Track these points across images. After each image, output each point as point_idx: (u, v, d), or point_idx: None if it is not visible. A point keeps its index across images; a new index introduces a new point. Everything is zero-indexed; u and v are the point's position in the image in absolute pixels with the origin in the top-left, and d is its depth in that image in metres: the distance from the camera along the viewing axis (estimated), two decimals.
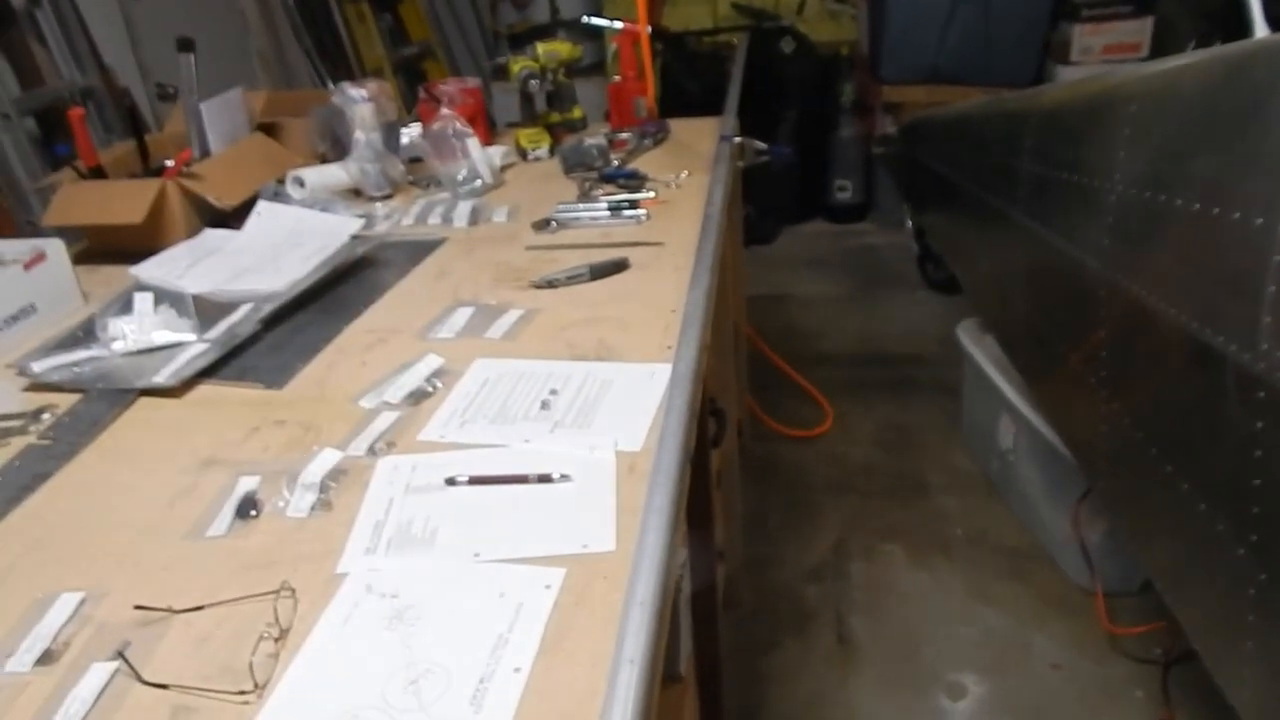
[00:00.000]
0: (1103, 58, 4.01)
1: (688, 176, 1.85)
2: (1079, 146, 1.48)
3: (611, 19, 2.64)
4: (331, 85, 1.92)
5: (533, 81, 2.03)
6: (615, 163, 1.93)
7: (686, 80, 4.51)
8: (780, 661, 1.96)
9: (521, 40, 4.49)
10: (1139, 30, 4.00)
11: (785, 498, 2.51)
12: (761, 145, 2.09)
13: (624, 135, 2.07)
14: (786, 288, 3.97)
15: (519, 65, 2.04)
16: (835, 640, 2.01)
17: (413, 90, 3.11)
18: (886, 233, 4.43)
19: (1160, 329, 1.16)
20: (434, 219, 1.69)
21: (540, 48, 2.13)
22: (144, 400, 1.13)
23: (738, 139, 2.02)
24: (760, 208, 4.60)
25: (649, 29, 4.47)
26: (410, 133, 2.09)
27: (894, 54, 4.29)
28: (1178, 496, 1.15)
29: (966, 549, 2.28)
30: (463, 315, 1.27)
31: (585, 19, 2.73)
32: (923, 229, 3.58)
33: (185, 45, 1.82)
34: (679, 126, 2.30)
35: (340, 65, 4.07)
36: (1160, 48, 3.98)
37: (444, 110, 1.86)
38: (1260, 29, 1.68)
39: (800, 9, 4.87)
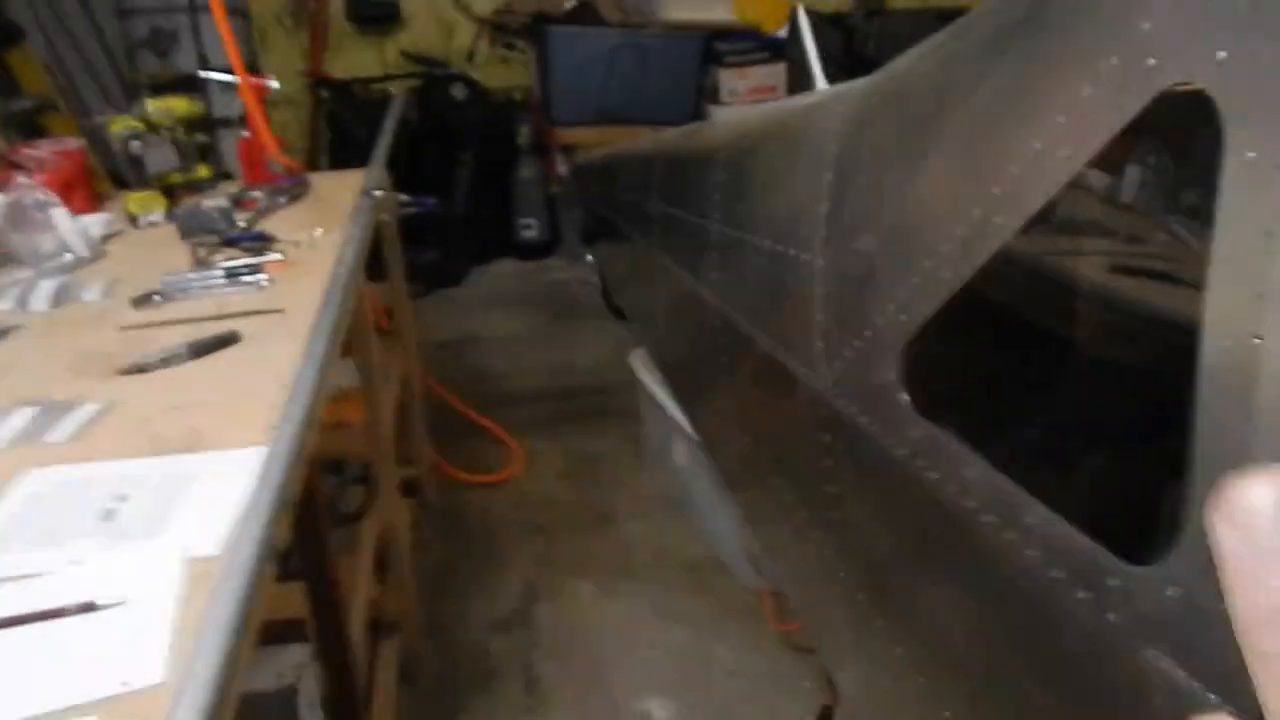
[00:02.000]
0: (748, 98, 4.40)
1: (322, 235, 1.76)
2: (689, 188, 1.59)
3: (266, 69, 2.49)
4: None
5: (134, 142, 1.85)
6: (243, 224, 1.80)
7: (355, 128, 4.38)
8: None
9: (164, 90, 4.13)
10: (774, 74, 4.43)
11: (473, 549, 2.47)
12: (405, 197, 2.05)
13: (254, 194, 1.94)
14: (475, 330, 3.95)
15: (119, 124, 1.85)
16: (523, 690, 1.98)
17: None
18: (573, 267, 4.55)
19: (757, 355, 1.25)
20: (5, 304, 1.47)
21: (150, 104, 1.95)
22: None
23: (379, 192, 1.96)
24: (445, 251, 4.56)
25: (304, 78, 4.30)
26: None
27: (563, 97, 4.44)
28: (785, 506, 1.25)
29: (653, 571, 2.35)
30: (21, 418, 1.11)
31: (200, 73, 2.55)
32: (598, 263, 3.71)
33: None
34: (326, 181, 2.21)
35: None
36: (794, 89, 4.44)
37: (20, 179, 1.64)
38: (819, 83, 1.90)
39: (470, 56, 4.90)
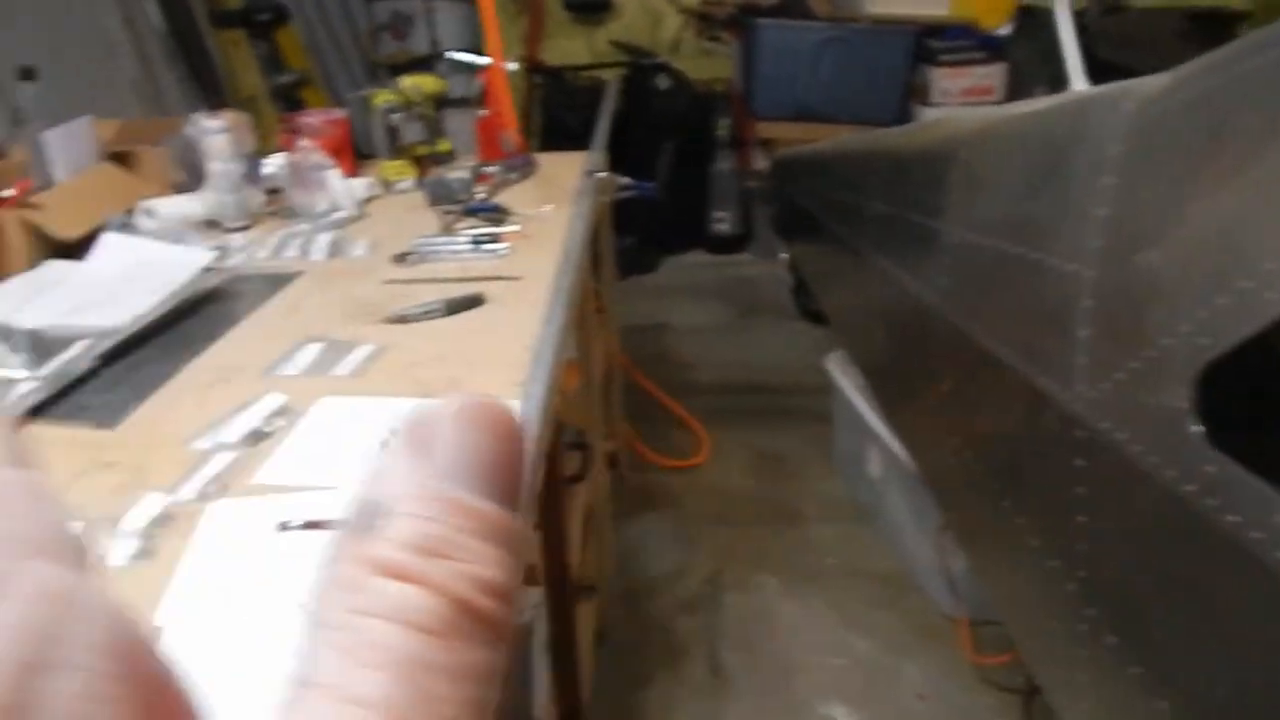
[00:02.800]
0: (961, 100, 4.24)
1: (552, 210, 1.85)
2: (919, 188, 1.56)
3: (484, 53, 2.64)
4: (195, 114, 1.86)
5: (394, 115, 2.01)
6: (480, 196, 1.92)
7: (566, 114, 4.55)
8: (653, 696, 1.96)
9: (401, 71, 4.44)
10: (992, 75, 4.25)
11: (662, 528, 2.53)
12: (625, 180, 2.12)
13: (490, 169, 2.07)
14: (666, 317, 4.02)
15: (381, 98, 2.01)
16: (708, 673, 2.02)
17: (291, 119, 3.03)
18: (764, 264, 4.55)
19: (994, 369, 1.22)
20: (291, 252, 1.65)
21: (405, 81, 2.11)
22: None
23: (602, 174, 2.04)
24: (641, 238, 4.66)
25: (524, 64, 4.50)
26: (273, 164, 2.03)
27: (765, 91, 4.43)
28: (1015, 532, 1.21)
29: (838, 578, 2.33)
30: (310, 352, 1.24)
31: (449, 54, 2.72)
32: (795, 262, 3.69)
33: (26, 74, 1.74)
34: (549, 161, 2.32)
35: (215, 93, 3.93)
36: (1014, 92, 4.24)
37: (303, 142, 1.82)
38: (1077, 81, 1.81)
39: (675, 47, 4.99)
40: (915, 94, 4.34)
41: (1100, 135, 0.97)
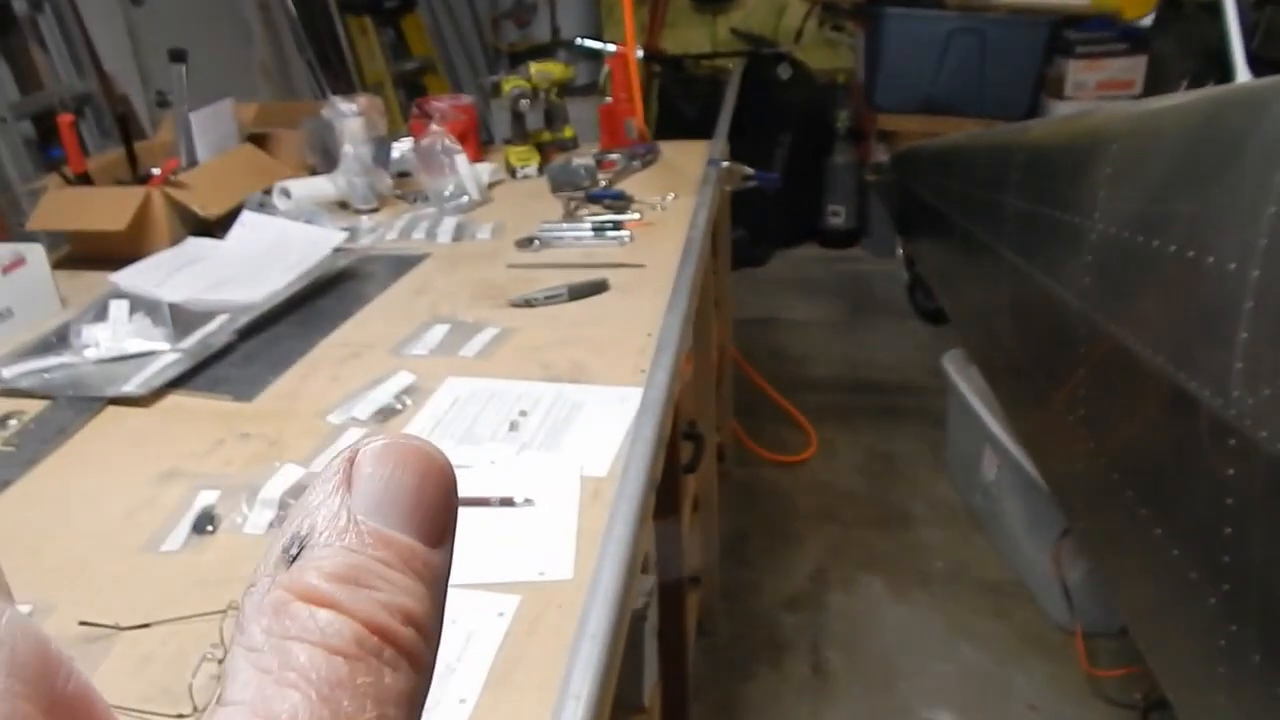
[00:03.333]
0: (1096, 94, 4.04)
1: (674, 199, 1.84)
2: (1062, 183, 1.49)
3: (608, 41, 2.66)
4: (331, 98, 1.93)
5: (523, 100, 2.03)
6: (603, 183, 1.93)
7: (683, 103, 4.54)
8: (754, 691, 1.94)
9: (522, 58, 4.51)
10: (1132, 68, 4.03)
11: (766, 524, 2.50)
12: (749, 170, 2.10)
13: (613, 156, 2.07)
14: (776, 311, 3.97)
15: (510, 84, 2.04)
16: (811, 671, 1.99)
17: (413, 104, 3.12)
18: (878, 260, 4.44)
19: (1137, 371, 1.15)
20: (418, 234, 1.69)
21: (533, 67, 2.13)
22: (112, 409, 1.12)
23: (725, 163, 2.02)
24: (753, 230, 4.61)
25: (643, 52, 4.51)
26: (401, 147, 2.09)
27: (889, 83, 4.31)
28: (1151, 541, 1.14)
29: (947, 583, 2.26)
30: (438, 332, 1.27)
31: (579, 41, 2.74)
32: (913, 258, 3.58)
33: (177, 56, 1.82)
34: (670, 149, 2.31)
35: (341, 78, 4.08)
36: (1153, 86, 4.01)
37: (433, 126, 1.86)
38: (1242, 74, 1.69)
39: (798, 37, 4.90)
40: (1048, 87, 4.16)
41: (1276, 128, 0.90)
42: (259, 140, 1.98)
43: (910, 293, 3.91)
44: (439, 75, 4.70)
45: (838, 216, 4.71)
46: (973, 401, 2.36)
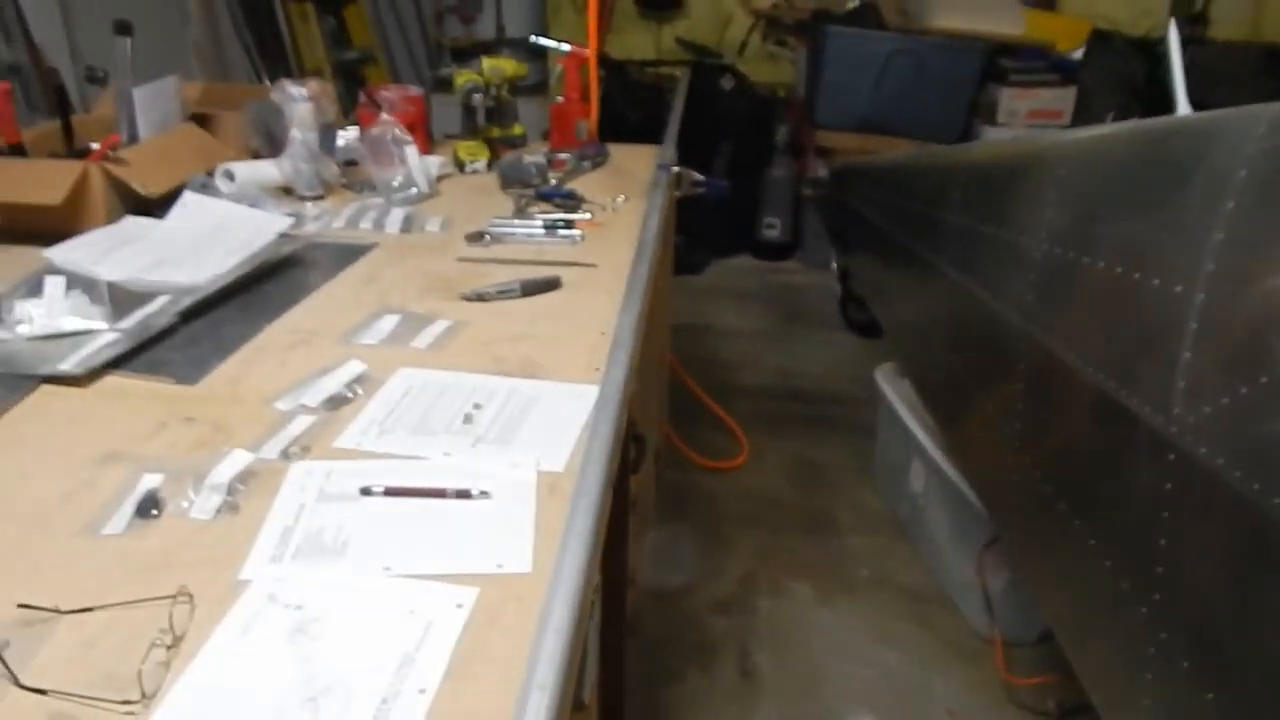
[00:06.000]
0: (1026, 121, 4.19)
1: (625, 201, 1.85)
2: (1007, 203, 1.54)
3: (558, 40, 2.65)
4: (269, 82, 1.88)
5: (476, 95, 2.02)
6: (553, 182, 1.93)
7: (626, 108, 4.54)
8: (683, 693, 1.96)
9: (465, 54, 4.47)
10: (1062, 98, 4.19)
11: (698, 528, 2.52)
12: (698, 176, 2.12)
13: (563, 155, 2.07)
14: (711, 319, 4.01)
15: (463, 78, 2.02)
16: (739, 675, 2.01)
17: (351, 94, 3.07)
18: (811, 273, 4.53)
19: (1075, 386, 1.20)
20: (366, 223, 1.66)
21: (486, 62, 2.12)
22: (46, 388, 1.07)
23: (676, 168, 2.04)
24: (691, 238, 4.64)
25: (585, 51, 4.51)
26: (347, 136, 2.05)
27: (829, 99, 4.40)
28: (1084, 551, 1.19)
29: (872, 590, 2.31)
30: (389, 322, 1.25)
31: (533, 39, 2.73)
32: (847, 272, 3.66)
33: (123, 29, 1.76)
34: (618, 152, 2.32)
35: (279, 63, 3.98)
36: (1080, 117, 4.18)
37: (384, 116, 1.83)
38: (1183, 107, 1.78)
39: (742, 49, 4.97)
40: (981, 112, 4.30)
41: (1225, 159, 0.95)
42: (200, 121, 1.92)
43: (842, 306, 3.99)
44: (379, 67, 4.63)
45: (773, 229, 4.78)
46: (903, 414, 2.42)
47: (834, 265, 4.16)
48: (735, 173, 4.67)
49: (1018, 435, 1.43)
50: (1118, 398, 1.04)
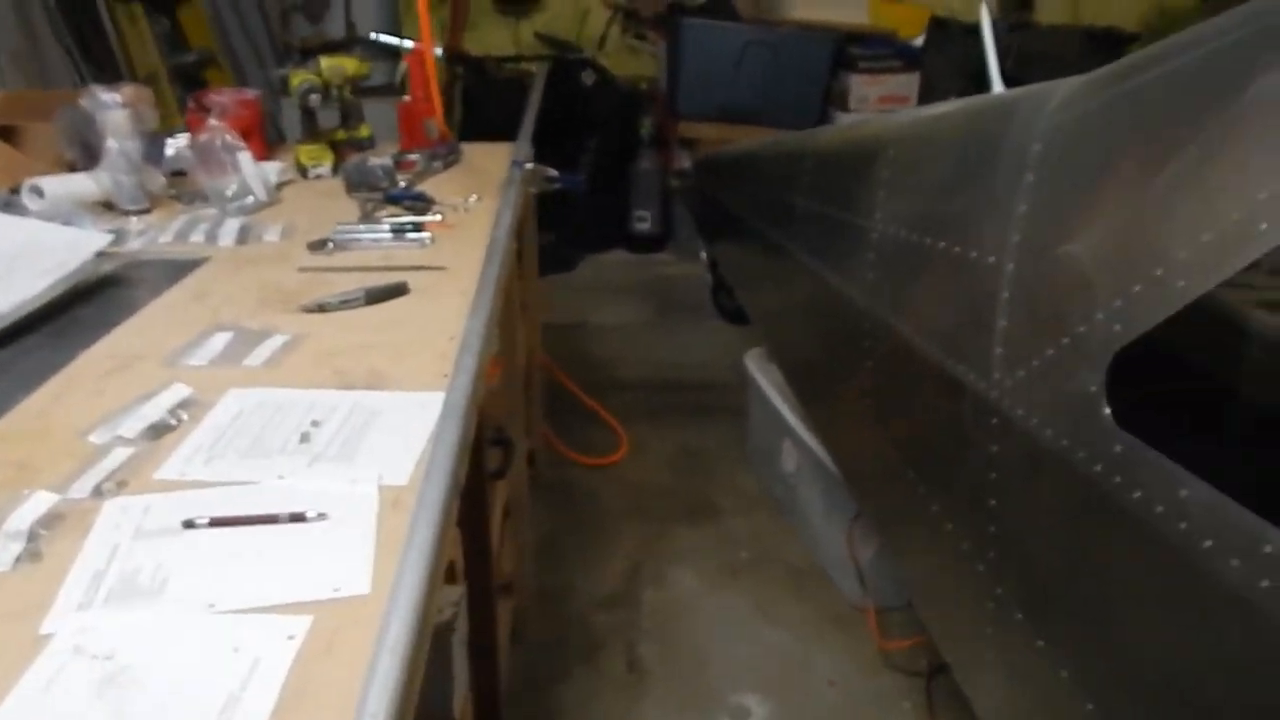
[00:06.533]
0: (877, 106, 4.34)
1: (477, 201, 1.81)
2: (847, 186, 1.58)
3: (407, 38, 2.57)
4: (92, 86, 1.75)
5: (313, 96, 1.93)
6: (402, 184, 1.87)
7: (488, 105, 4.48)
8: (570, 692, 1.94)
9: (313, 55, 4.30)
10: (908, 84, 4.36)
11: (580, 525, 2.51)
12: (552, 172, 2.10)
13: (413, 156, 2.01)
14: (586, 315, 4.00)
15: (299, 78, 1.93)
16: (625, 668, 2.01)
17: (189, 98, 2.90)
18: (683, 264, 4.57)
19: (914, 360, 1.24)
20: (197, 236, 1.57)
21: (324, 62, 2.03)
22: None
23: (529, 165, 2.01)
24: (562, 236, 4.62)
25: (444, 52, 4.42)
26: (177, 144, 1.93)
27: (689, 91, 4.45)
28: (930, 517, 1.23)
29: (752, 570, 2.35)
30: (220, 341, 1.18)
31: (374, 36, 2.64)
32: (715, 260, 3.71)
33: None
34: (473, 151, 2.27)
35: (107, 68, 3.73)
36: (926, 101, 4.36)
37: (212, 121, 1.73)
38: (997, 86, 1.87)
39: (601, 43, 4.97)
40: (834, 99, 4.43)
41: (1022, 134, 0.99)
42: (6, 133, 1.78)
43: (714, 295, 4.05)
44: (222, 70, 4.40)
45: (644, 222, 4.80)
46: (772, 397, 2.46)
47: (703, 255, 4.21)
48: (602, 167, 4.67)
49: (870, 411, 1.47)
50: (948, 368, 1.08)
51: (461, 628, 1.14)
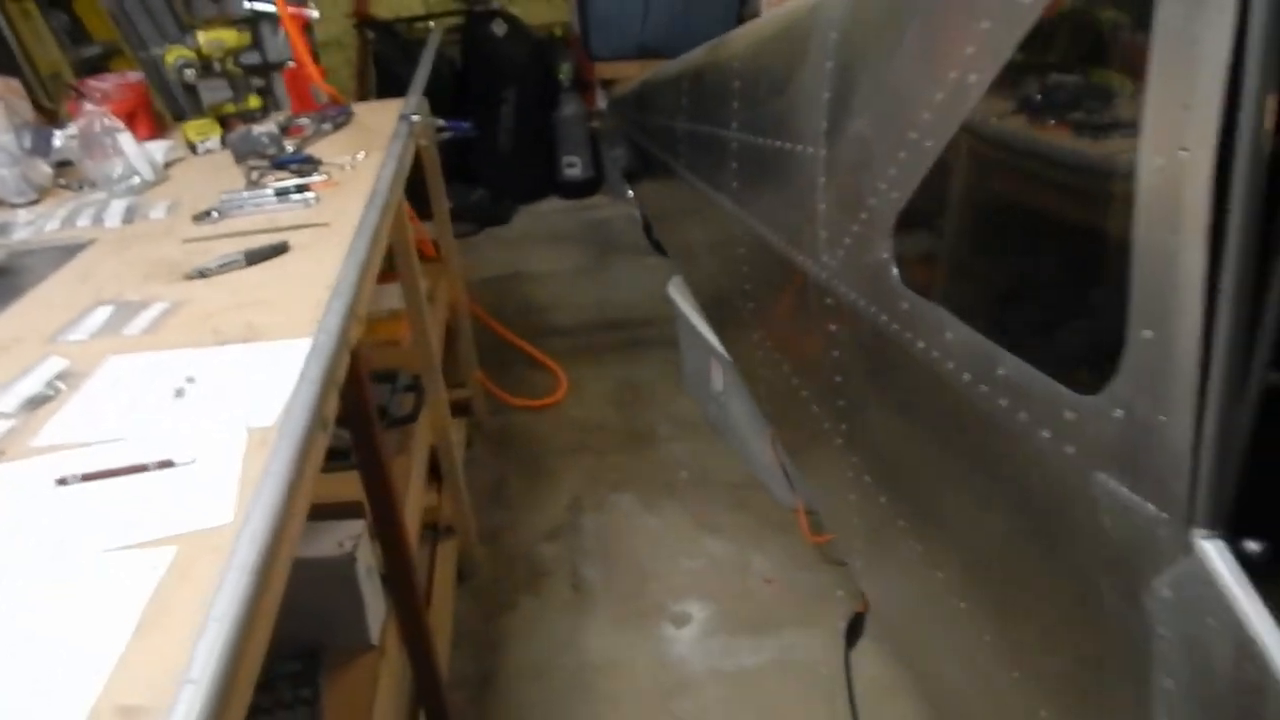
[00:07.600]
0: None
1: (364, 158, 1.84)
2: (711, 101, 1.63)
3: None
4: None
5: (188, 71, 1.94)
6: (290, 149, 1.89)
7: (400, 67, 4.43)
8: (517, 620, 2.03)
9: (192, 31, 4.21)
10: None
11: (525, 467, 2.58)
12: (440, 121, 2.12)
13: (301, 121, 2.03)
14: (523, 265, 4.04)
15: (174, 54, 1.94)
16: (571, 591, 2.10)
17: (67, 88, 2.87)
18: (618, 205, 4.60)
19: (773, 257, 1.30)
20: (83, 220, 1.59)
21: (201, 36, 2.04)
22: None
23: (416, 117, 2.03)
24: (493, 189, 4.63)
25: (356, 19, 4.35)
26: (65, 134, 1.94)
27: (602, 32, 4.44)
28: (801, 403, 1.31)
29: (692, 488, 2.44)
30: (101, 315, 1.22)
31: (247, 5, 2.61)
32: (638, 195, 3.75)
33: None
34: (368, 110, 2.28)
35: (6, 68, 3.66)
36: None
37: (88, 106, 1.74)
38: None
39: None
40: (747, 21, 4.42)
41: (825, 23, 1.05)
42: None
43: (646, 231, 4.08)
44: (130, 60, 4.32)
45: (574, 168, 4.81)
46: (695, 321, 2.53)
47: (629, 192, 4.24)
48: (524, 117, 4.66)
49: (752, 313, 1.54)
50: (791, 257, 1.15)
51: (365, 557, 1.21)
